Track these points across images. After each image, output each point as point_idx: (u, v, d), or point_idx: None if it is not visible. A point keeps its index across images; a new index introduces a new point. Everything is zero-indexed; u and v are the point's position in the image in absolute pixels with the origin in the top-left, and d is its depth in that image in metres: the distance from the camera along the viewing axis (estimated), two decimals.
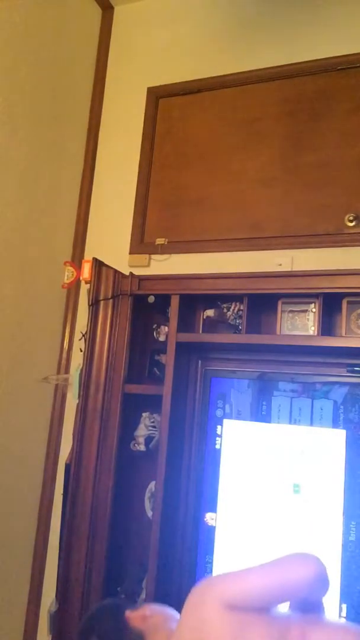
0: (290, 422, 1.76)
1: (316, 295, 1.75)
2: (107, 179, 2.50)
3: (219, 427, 1.85)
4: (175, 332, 1.86)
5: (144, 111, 2.44)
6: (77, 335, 2.29)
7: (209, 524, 1.81)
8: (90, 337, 1.95)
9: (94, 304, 1.96)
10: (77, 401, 1.97)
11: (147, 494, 1.97)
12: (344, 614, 1.58)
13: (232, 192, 2.19)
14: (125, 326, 1.95)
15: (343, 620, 1.57)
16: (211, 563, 1.78)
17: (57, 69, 2.33)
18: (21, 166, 2.12)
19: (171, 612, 1.05)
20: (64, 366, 2.37)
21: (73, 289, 2.35)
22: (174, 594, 1.82)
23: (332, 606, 1.59)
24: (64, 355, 2.38)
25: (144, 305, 2.00)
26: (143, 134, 2.42)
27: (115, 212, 2.43)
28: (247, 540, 1.74)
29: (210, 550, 1.79)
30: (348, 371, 1.74)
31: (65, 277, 2.05)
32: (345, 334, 1.74)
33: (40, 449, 2.29)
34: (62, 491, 2.08)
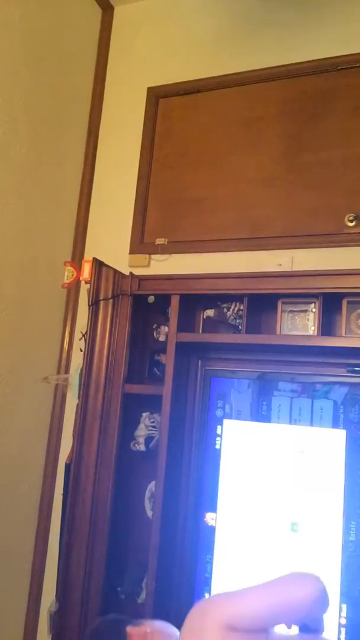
0: (290, 422, 1.76)
1: (316, 295, 1.75)
2: (107, 179, 2.50)
3: (219, 427, 1.85)
4: (175, 332, 1.86)
5: (144, 111, 2.44)
6: (77, 335, 2.29)
7: (209, 524, 1.81)
8: (90, 337, 1.95)
9: (94, 304, 1.96)
10: (77, 401, 1.97)
11: (147, 494, 1.97)
12: (344, 614, 1.58)
13: (232, 192, 2.19)
14: (125, 326, 1.95)
15: (343, 621, 1.57)
16: (211, 563, 1.78)
17: (57, 69, 2.33)
18: (21, 166, 2.12)
19: (172, 630, 1.05)
20: (64, 366, 2.37)
21: (73, 289, 2.35)
22: (174, 594, 1.82)
23: (332, 606, 1.59)
24: (64, 355, 2.38)
25: (144, 305, 2.00)
26: (143, 134, 2.42)
27: (115, 212, 2.43)
28: (247, 540, 1.74)
29: (210, 550, 1.79)
30: (348, 371, 1.74)
31: (65, 277, 2.05)
32: (345, 334, 1.74)
33: (40, 449, 2.29)
34: (62, 491, 2.08)
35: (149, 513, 1.92)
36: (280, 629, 0.89)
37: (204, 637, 0.77)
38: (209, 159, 2.26)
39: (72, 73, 2.44)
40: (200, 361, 1.97)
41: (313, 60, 2.12)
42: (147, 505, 1.96)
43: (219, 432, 1.85)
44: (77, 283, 2.16)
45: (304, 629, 0.90)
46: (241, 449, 1.81)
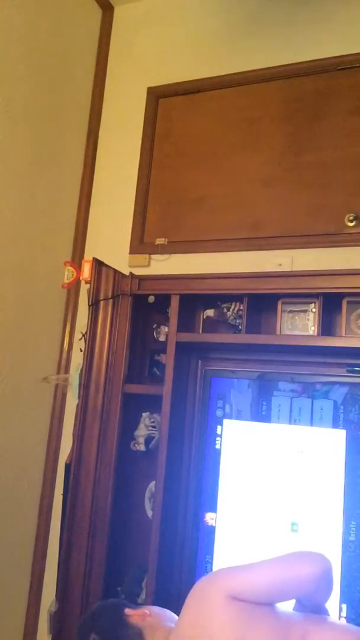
0: (290, 422, 1.76)
1: (316, 295, 1.75)
2: (107, 179, 2.50)
3: (219, 427, 1.85)
4: (175, 332, 1.86)
5: (144, 111, 2.44)
6: (77, 335, 2.29)
7: (209, 524, 1.81)
8: (90, 337, 1.95)
9: (94, 304, 1.96)
10: (77, 401, 1.97)
11: (147, 494, 1.97)
12: (344, 614, 1.58)
13: (232, 192, 2.19)
14: (125, 326, 1.95)
15: (343, 620, 1.57)
16: (211, 563, 1.78)
17: (57, 69, 2.33)
18: (21, 166, 2.12)
19: (170, 613, 1.05)
20: (64, 366, 2.37)
21: (73, 289, 2.35)
22: (174, 594, 1.82)
23: (332, 606, 1.59)
24: (64, 355, 2.38)
25: (144, 305, 2.00)
26: (143, 134, 2.42)
27: (115, 212, 2.43)
28: (247, 540, 1.74)
29: (210, 550, 1.79)
30: (348, 371, 1.74)
31: (65, 277, 2.05)
32: (345, 334, 1.74)
33: (40, 449, 2.29)
34: (62, 491, 2.08)
35: (149, 513, 1.92)
36: (283, 605, 0.89)
37: (209, 604, 0.79)
38: (209, 159, 2.26)
39: (72, 73, 2.44)
40: (200, 361, 1.97)
41: (313, 60, 2.12)
42: (147, 505, 1.96)
43: (219, 432, 1.85)
44: (77, 283, 2.16)
45: (301, 611, 0.89)
46: (241, 449, 1.81)
